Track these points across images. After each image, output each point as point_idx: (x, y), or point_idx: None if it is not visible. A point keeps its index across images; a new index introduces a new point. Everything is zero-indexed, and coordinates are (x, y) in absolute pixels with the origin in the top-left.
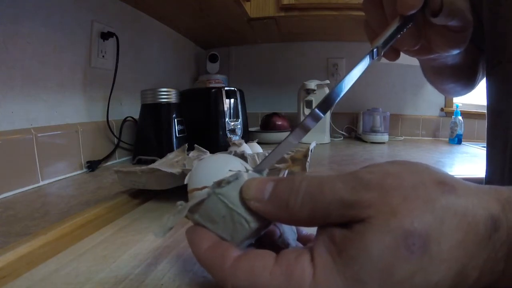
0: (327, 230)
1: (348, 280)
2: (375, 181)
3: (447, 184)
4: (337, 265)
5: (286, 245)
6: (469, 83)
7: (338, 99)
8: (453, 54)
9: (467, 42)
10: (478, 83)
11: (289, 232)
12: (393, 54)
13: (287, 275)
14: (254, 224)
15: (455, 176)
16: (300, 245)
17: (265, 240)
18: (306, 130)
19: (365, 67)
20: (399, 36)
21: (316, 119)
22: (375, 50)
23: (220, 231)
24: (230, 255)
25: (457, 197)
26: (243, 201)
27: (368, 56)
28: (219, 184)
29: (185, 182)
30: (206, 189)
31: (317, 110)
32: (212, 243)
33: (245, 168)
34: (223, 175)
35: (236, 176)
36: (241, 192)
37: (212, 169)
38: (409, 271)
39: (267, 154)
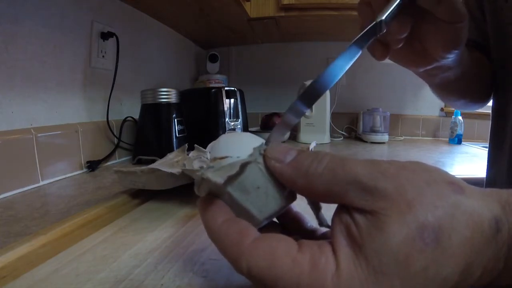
0: (342, 222)
1: (370, 272)
2: (393, 171)
3: (456, 184)
4: (359, 258)
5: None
6: (482, 97)
7: (327, 89)
8: (450, 58)
9: (461, 41)
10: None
11: None
12: (381, 50)
13: (310, 264)
14: (286, 199)
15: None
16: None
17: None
18: (287, 125)
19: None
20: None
21: (299, 114)
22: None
23: (249, 203)
24: (250, 233)
25: (465, 197)
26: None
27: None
28: (261, 152)
29: (207, 151)
30: (241, 158)
31: (298, 103)
32: (229, 217)
33: None
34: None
35: None
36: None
37: (243, 142)
38: (424, 263)
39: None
